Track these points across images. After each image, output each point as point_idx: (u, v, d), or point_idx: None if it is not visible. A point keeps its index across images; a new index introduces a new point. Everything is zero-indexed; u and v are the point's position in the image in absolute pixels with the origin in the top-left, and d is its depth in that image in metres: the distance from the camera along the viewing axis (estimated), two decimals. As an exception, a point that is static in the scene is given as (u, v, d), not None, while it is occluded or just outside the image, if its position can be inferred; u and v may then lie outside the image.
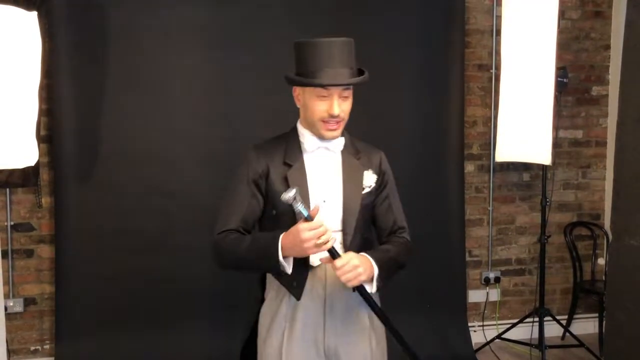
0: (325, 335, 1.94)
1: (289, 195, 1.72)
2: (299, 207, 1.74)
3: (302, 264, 1.90)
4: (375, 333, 2.02)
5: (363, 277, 1.81)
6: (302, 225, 1.72)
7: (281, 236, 1.77)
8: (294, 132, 2.00)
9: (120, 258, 3.59)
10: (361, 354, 1.97)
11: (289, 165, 1.93)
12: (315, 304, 1.93)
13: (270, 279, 2.01)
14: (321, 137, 1.92)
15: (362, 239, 1.98)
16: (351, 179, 1.96)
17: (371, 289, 1.87)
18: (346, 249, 1.92)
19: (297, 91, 1.94)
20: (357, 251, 1.93)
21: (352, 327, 1.96)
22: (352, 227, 1.94)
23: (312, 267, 1.92)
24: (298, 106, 1.97)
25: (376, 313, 1.93)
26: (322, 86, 1.84)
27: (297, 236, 1.73)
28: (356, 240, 1.95)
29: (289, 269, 1.80)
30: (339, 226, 1.94)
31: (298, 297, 1.92)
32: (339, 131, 1.92)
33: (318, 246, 1.73)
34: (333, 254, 1.79)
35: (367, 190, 1.98)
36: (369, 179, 1.99)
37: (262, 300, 2.03)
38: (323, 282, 1.93)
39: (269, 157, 1.95)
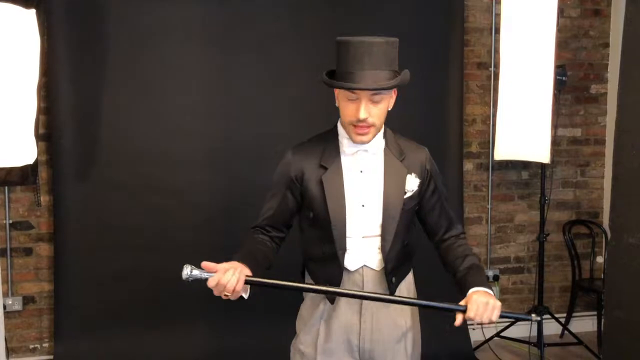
0: (360, 339, 1.93)
1: (184, 277, 1.71)
2: (200, 277, 1.70)
3: (337, 268, 1.88)
4: (411, 338, 2.00)
5: (498, 303, 1.75)
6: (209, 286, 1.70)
7: None
8: (334, 133, 1.94)
9: (119, 256, 3.59)
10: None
11: (325, 168, 1.88)
12: (352, 308, 1.92)
13: (307, 278, 2.01)
14: (353, 140, 1.86)
15: (401, 244, 1.93)
16: (393, 182, 1.89)
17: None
18: (384, 254, 1.89)
19: (336, 91, 1.88)
20: (396, 257, 1.91)
21: (387, 332, 1.95)
22: (392, 233, 1.88)
23: (348, 270, 1.90)
24: (337, 106, 1.91)
25: None
26: (343, 88, 1.78)
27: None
28: (395, 247, 1.90)
29: (245, 294, 1.75)
30: (377, 231, 1.89)
31: (332, 301, 1.91)
32: (370, 136, 1.84)
33: (228, 296, 1.69)
34: (255, 283, 1.73)
35: (409, 194, 1.91)
36: (412, 183, 1.92)
37: (302, 298, 2.04)
38: (360, 286, 1.91)
39: (306, 159, 1.90)
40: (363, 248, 1.90)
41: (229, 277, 1.66)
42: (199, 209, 3.65)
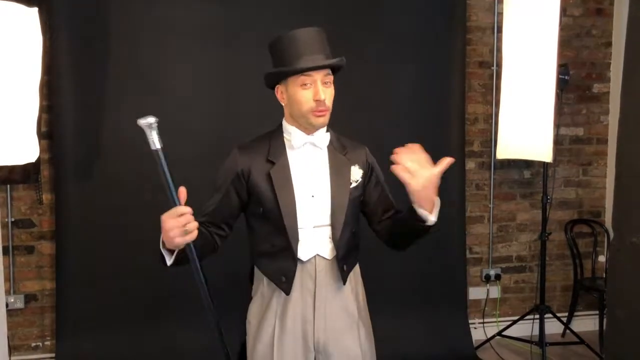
0: (314, 329, 1.95)
1: (145, 121, 1.68)
2: (153, 138, 1.67)
3: (291, 259, 1.91)
4: (364, 326, 2.03)
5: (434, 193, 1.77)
6: (164, 215, 1.66)
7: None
8: (279, 130, 2.00)
9: (120, 255, 3.59)
10: (350, 348, 1.98)
11: (272, 163, 1.93)
12: (305, 299, 1.95)
13: (258, 276, 2.02)
14: (311, 126, 1.91)
15: (350, 233, 1.98)
16: (339, 174, 1.96)
17: (433, 217, 1.80)
18: (335, 243, 1.94)
19: (280, 89, 1.94)
20: (346, 245, 1.96)
21: (340, 322, 1.98)
22: (341, 222, 1.94)
23: (301, 261, 1.93)
24: (282, 104, 1.97)
25: None
26: (304, 70, 1.84)
27: (162, 226, 1.66)
28: (345, 235, 1.96)
29: (168, 260, 1.74)
30: (327, 221, 1.94)
31: (287, 292, 1.93)
32: (327, 117, 1.91)
33: (182, 236, 1.65)
34: (191, 248, 1.70)
35: (354, 184, 1.98)
36: (356, 174, 1.99)
37: (251, 297, 2.05)
38: (313, 277, 1.95)
39: (252, 155, 1.95)
40: (315, 238, 1.94)
41: (187, 219, 1.65)
42: (199, 208, 3.64)
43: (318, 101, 1.85)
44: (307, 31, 1.88)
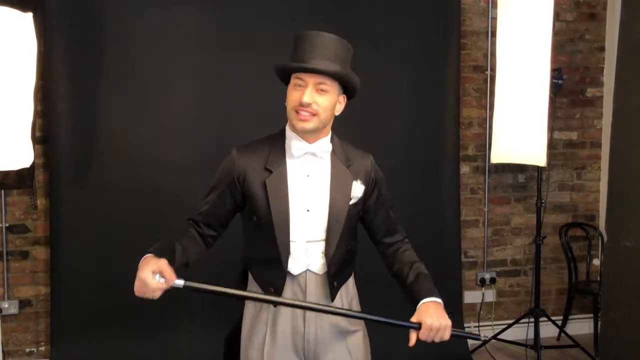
0: (305, 341, 1.92)
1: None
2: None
3: (280, 271, 1.87)
4: (354, 338, 1.99)
5: (449, 322, 1.80)
6: (154, 277, 1.82)
7: (149, 255, 1.87)
8: (281, 136, 1.92)
9: (115, 259, 3.57)
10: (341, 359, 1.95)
11: (270, 171, 1.86)
12: (295, 310, 1.91)
13: (251, 282, 1.99)
14: (294, 127, 1.84)
15: (345, 249, 1.93)
16: (339, 188, 1.89)
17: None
18: (328, 259, 1.89)
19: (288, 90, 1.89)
20: (339, 262, 1.91)
21: (330, 332, 1.94)
22: (337, 237, 1.88)
23: (292, 275, 1.89)
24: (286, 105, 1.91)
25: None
26: (291, 69, 1.80)
27: (142, 277, 1.82)
28: (339, 251, 1.90)
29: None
30: (322, 236, 1.88)
31: (274, 304, 1.90)
32: (311, 124, 1.80)
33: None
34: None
35: (354, 201, 1.91)
36: (358, 190, 1.92)
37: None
38: (303, 290, 1.91)
39: (250, 160, 1.89)
40: (307, 252, 1.89)
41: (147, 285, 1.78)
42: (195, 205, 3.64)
43: (301, 104, 1.78)
44: (322, 36, 1.81)
